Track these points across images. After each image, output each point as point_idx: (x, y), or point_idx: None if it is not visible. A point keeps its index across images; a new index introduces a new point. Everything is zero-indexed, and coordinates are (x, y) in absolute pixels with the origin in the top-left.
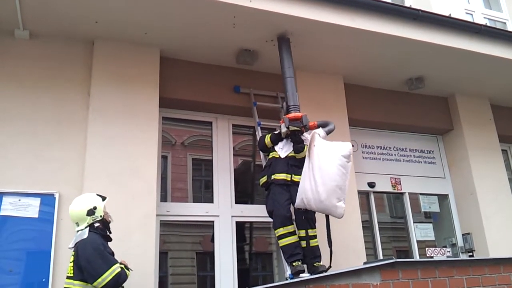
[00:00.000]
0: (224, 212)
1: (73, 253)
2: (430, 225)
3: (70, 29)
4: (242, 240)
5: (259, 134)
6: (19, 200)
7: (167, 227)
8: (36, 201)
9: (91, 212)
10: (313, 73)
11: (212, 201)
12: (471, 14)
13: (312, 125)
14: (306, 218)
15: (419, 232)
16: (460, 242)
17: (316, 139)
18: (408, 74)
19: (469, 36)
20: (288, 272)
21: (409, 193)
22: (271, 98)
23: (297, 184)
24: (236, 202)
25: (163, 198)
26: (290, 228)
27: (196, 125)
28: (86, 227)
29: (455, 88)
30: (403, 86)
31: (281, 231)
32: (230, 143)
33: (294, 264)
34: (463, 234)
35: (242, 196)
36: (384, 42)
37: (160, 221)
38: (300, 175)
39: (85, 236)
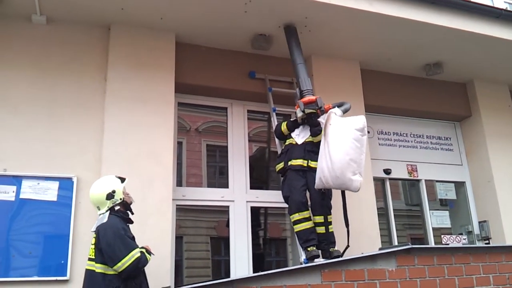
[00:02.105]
0: (239, 197)
1: (94, 235)
2: (446, 212)
3: (86, 14)
4: (256, 225)
5: (274, 120)
6: (38, 183)
7: (183, 212)
8: (55, 185)
9: (110, 196)
10: (329, 58)
11: (227, 186)
12: None
13: (327, 108)
14: (323, 204)
15: (435, 219)
16: (476, 230)
17: (332, 118)
18: (426, 59)
19: (489, 20)
20: (303, 257)
21: (425, 180)
22: (287, 83)
23: (313, 170)
24: (251, 188)
25: (178, 183)
26: (305, 214)
27: (211, 111)
28: (106, 211)
29: (473, 74)
30: (421, 72)
31: (296, 216)
32: (245, 129)
33: (309, 249)
34: (479, 222)
35: (257, 182)
36: (402, 27)
37: (176, 205)
38: (317, 160)
39: (105, 220)
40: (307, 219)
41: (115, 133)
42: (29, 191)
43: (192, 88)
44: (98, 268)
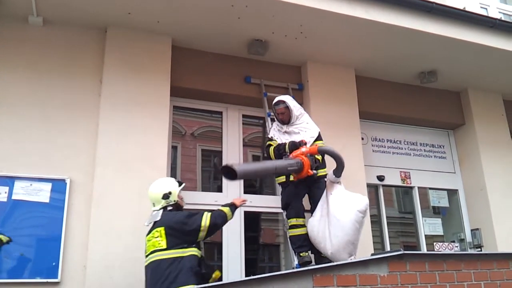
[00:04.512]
0: None
1: (157, 229)
2: (439, 220)
3: (83, 16)
4: (249, 231)
5: (269, 125)
6: (31, 185)
7: None
8: (48, 186)
9: (166, 196)
10: (324, 64)
11: (221, 191)
12: (486, 8)
13: (312, 150)
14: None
15: (428, 226)
16: (468, 238)
17: (333, 189)
18: (420, 67)
19: (483, 30)
20: (295, 262)
21: (418, 188)
22: (282, 89)
23: (320, 177)
24: (245, 192)
25: None
26: (301, 221)
27: (206, 115)
28: (160, 209)
29: (467, 83)
30: (415, 80)
31: (293, 221)
32: (240, 134)
33: (301, 254)
34: (472, 230)
35: (251, 186)
36: (397, 35)
37: None
38: (321, 168)
39: (159, 217)
40: (303, 225)
41: (109, 136)
42: (21, 192)
43: (187, 92)
44: (174, 253)
